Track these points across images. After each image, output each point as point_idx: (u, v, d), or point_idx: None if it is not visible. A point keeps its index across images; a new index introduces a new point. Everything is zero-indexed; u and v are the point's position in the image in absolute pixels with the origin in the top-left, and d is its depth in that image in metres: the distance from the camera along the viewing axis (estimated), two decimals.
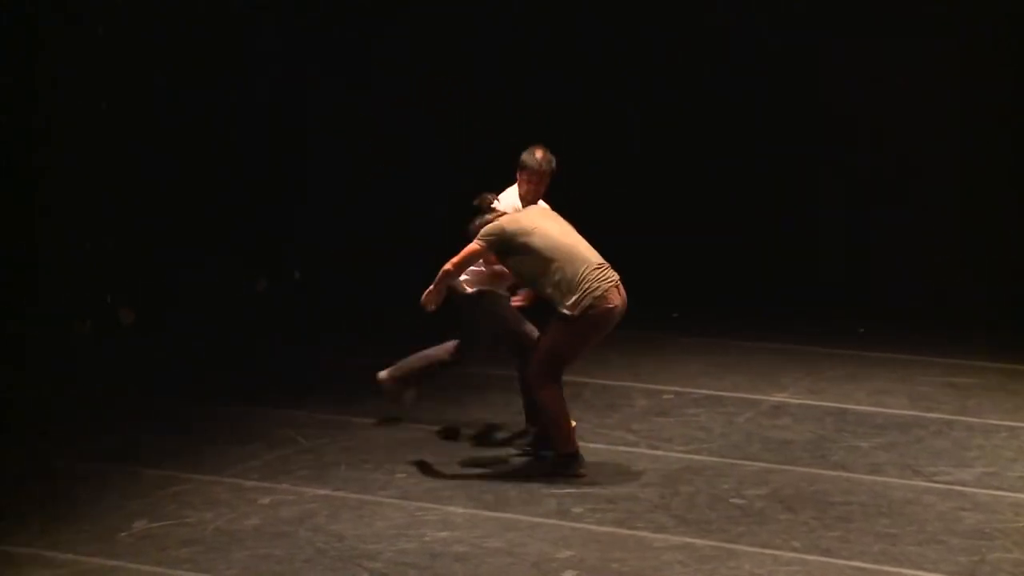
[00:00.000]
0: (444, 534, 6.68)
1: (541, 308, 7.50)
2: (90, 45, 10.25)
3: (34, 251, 10.11)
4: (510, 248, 7.27)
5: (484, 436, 8.02)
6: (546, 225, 7.34)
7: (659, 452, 7.72)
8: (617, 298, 7.26)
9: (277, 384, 9.15)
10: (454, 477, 7.41)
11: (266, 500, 7.15)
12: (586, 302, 7.15)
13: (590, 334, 7.28)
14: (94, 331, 10.28)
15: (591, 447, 7.76)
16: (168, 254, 10.81)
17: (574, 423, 7.44)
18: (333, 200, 11.66)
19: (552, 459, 7.42)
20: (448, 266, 7.28)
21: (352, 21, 11.60)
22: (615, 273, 7.32)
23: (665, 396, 8.72)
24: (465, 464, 7.60)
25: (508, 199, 7.65)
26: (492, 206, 7.51)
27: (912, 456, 7.60)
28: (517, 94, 11.59)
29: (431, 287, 7.30)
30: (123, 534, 6.76)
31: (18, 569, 6.39)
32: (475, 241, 7.31)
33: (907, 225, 11.02)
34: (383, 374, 7.88)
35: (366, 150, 11.67)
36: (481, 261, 7.47)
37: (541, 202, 7.67)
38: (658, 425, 8.14)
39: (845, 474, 7.35)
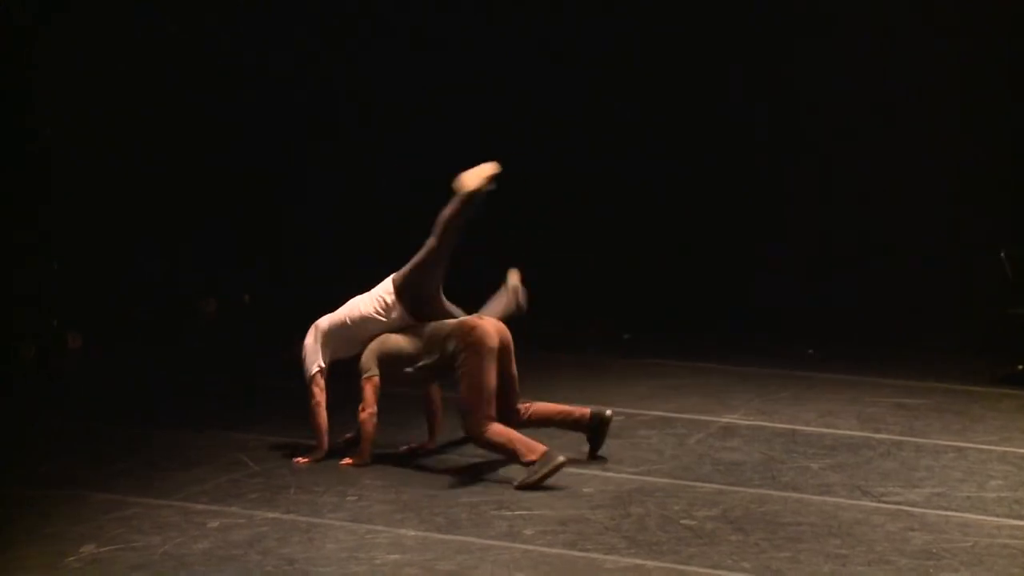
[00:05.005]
0: (395, 557, 6.65)
1: None
2: (105, 48, 10.20)
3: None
4: None
5: (434, 459, 8.00)
6: None
7: (610, 474, 7.73)
8: None
9: (226, 407, 9.11)
10: (405, 500, 7.39)
11: (215, 523, 7.10)
12: None
13: None
14: (40, 355, 10.21)
15: None
16: (116, 277, 10.75)
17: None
18: (316, 198, 11.66)
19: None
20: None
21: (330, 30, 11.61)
22: None
23: (616, 418, 8.72)
24: (416, 487, 7.58)
25: None
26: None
27: (861, 477, 7.64)
28: (491, 106, 11.60)
29: None
30: (71, 559, 6.70)
31: None
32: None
33: (857, 248, 11.09)
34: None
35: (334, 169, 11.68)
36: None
37: None
38: (608, 447, 8.14)
39: (795, 495, 7.38)
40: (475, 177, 7.79)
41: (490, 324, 7.73)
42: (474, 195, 7.79)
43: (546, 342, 10.59)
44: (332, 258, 11.45)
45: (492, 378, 7.62)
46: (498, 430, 7.57)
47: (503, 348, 7.76)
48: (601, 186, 11.57)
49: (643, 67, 11.42)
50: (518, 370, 7.86)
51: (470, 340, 7.60)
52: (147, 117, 10.65)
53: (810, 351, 10.20)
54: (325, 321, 8.05)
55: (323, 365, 7.98)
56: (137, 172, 10.68)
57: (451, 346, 7.64)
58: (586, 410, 7.97)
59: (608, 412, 7.96)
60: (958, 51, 10.69)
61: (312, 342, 8.01)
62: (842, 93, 11.08)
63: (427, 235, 7.82)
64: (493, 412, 7.62)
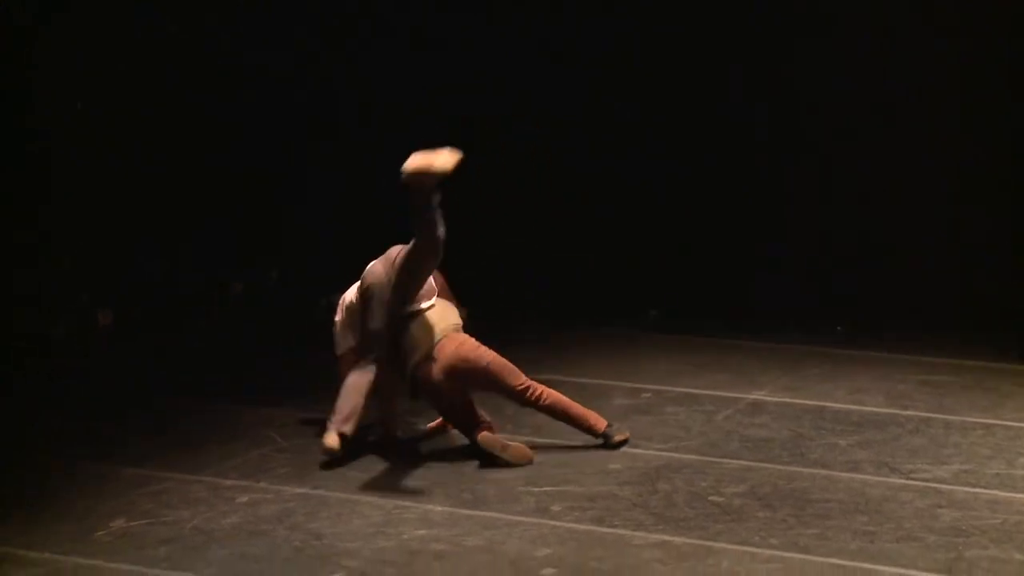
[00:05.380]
0: (422, 532, 6.68)
1: None
2: (105, 48, 10.22)
3: (10, 251, 10.07)
4: None
5: (461, 436, 8.00)
6: None
7: (637, 450, 7.73)
8: None
9: (255, 383, 9.14)
10: (432, 476, 7.41)
11: (244, 498, 7.14)
12: None
13: None
14: (71, 331, 10.26)
15: (569, 445, 7.77)
16: (146, 254, 10.78)
17: None
18: (317, 197, 11.64)
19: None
20: None
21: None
22: None
23: (643, 394, 8.74)
24: (443, 463, 7.60)
25: None
26: None
27: (889, 454, 7.63)
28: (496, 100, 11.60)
29: None
30: (100, 533, 6.75)
31: None
32: None
33: (885, 225, 11.05)
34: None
35: (354, 153, 11.66)
36: None
37: None
38: (636, 423, 8.15)
39: (823, 471, 7.37)
40: (431, 160, 7.34)
41: (436, 369, 7.49)
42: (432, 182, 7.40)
43: (574, 317, 10.60)
44: (332, 258, 11.51)
45: (455, 407, 7.59)
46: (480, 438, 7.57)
47: (467, 373, 7.53)
48: (601, 186, 11.56)
49: (643, 67, 11.41)
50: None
51: (424, 389, 7.58)
52: (147, 117, 10.64)
53: (838, 328, 10.17)
54: (350, 294, 7.99)
55: (352, 345, 7.90)
56: (137, 172, 10.66)
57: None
58: (600, 424, 7.73)
59: (618, 438, 7.67)
60: (958, 51, 10.65)
61: (340, 319, 7.96)
62: (842, 93, 11.07)
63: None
64: (477, 419, 7.63)
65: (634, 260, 11.27)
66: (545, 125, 11.38)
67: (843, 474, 7.33)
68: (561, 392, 7.86)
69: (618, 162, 11.53)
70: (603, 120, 11.55)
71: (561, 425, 7.86)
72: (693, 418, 8.30)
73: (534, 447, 7.68)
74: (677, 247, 11.30)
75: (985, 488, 7.09)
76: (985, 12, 10.58)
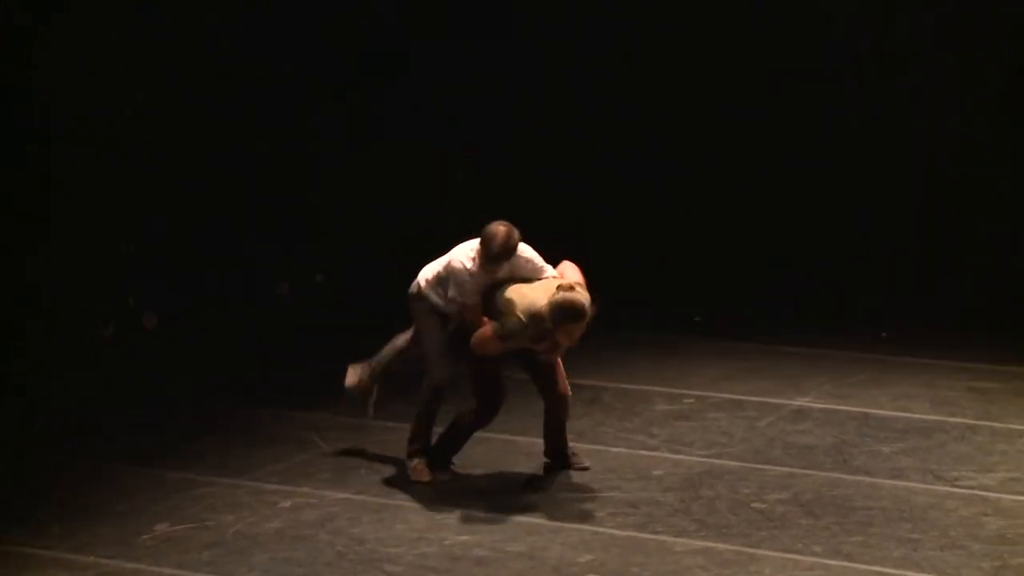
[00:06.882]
0: (464, 537, 6.68)
1: None
2: (105, 48, 10.27)
3: (53, 253, 10.11)
4: None
5: (505, 440, 8.01)
6: None
7: (680, 456, 7.71)
8: None
9: (298, 388, 9.16)
10: (475, 481, 7.41)
11: (287, 503, 7.17)
12: None
13: None
14: (116, 334, 10.31)
15: (611, 451, 7.77)
16: (191, 258, 10.82)
17: None
18: (356, 200, 11.66)
19: None
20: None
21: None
22: None
23: (686, 400, 8.71)
24: (485, 469, 7.60)
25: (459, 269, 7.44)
26: None
27: (934, 461, 7.57)
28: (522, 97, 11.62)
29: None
30: (144, 537, 6.79)
31: (39, 571, 6.43)
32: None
33: (930, 230, 10.99)
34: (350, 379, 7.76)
35: (383, 155, 11.68)
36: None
37: None
38: (679, 429, 8.13)
39: (867, 479, 7.33)
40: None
41: None
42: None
43: (619, 322, 10.58)
44: (332, 257, 11.54)
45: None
46: None
47: None
48: (601, 186, 11.55)
49: (643, 67, 11.41)
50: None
51: None
52: (147, 117, 10.65)
53: (884, 334, 10.11)
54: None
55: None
56: (137, 172, 10.67)
57: None
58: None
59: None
60: (958, 51, 10.62)
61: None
62: (842, 93, 11.04)
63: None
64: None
65: (684, 258, 11.26)
66: (545, 125, 11.39)
67: (887, 481, 7.28)
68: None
69: (618, 162, 11.53)
70: (603, 120, 11.56)
71: (605, 430, 7.86)
72: (736, 424, 8.27)
73: (577, 454, 7.67)
74: (676, 248, 11.26)
75: None
76: (985, 12, 10.55)
